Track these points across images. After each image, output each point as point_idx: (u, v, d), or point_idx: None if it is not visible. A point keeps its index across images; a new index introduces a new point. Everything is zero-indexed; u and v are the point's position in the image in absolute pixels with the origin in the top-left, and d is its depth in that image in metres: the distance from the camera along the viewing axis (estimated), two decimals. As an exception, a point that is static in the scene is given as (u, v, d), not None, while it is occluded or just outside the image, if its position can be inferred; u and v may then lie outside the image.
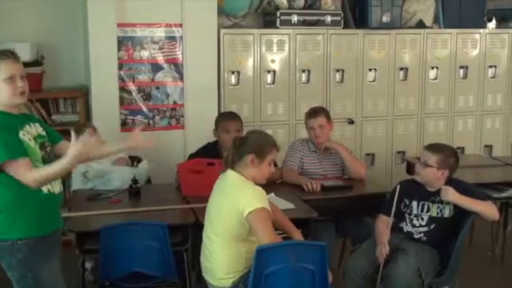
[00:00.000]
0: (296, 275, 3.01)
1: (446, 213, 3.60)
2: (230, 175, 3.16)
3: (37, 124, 3.01)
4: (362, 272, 3.55)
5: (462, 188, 3.59)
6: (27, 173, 2.73)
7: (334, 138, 4.64)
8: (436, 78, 6.06)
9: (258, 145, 3.15)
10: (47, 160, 2.90)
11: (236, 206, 3.01)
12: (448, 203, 3.58)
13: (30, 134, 2.88)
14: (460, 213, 3.57)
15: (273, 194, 3.67)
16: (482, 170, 4.98)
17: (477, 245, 4.89)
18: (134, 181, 4.01)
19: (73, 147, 2.68)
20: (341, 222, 4.15)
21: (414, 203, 3.69)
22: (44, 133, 3.01)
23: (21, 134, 2.82)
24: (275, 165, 3.35)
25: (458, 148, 6.17)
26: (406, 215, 3.67)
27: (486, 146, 6.36)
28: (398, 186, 3.77)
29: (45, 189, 2.85)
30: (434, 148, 3.70)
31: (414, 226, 3.62)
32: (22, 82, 2.86)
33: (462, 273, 3.66)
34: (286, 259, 2.96)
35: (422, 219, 3.62)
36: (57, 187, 2.94)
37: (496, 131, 6.38)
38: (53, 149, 3.01)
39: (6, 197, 2.79)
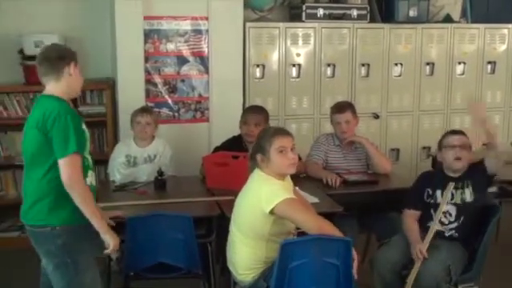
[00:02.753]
0: (320, 270, 2.99)
1: (468, 197, 3.58)
2: (256, 174, 3.18)
3: None
4: (391, 266, 3.54)
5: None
6: (80, 172, 2.81)
7: (358, 132, 4.62)
8: (463, 74, 5.99)
9: (258, 144, 3.17)
10: (90, 153, 3.00)
11: (258, 205, 3.02)
12: (468, 187, 3.57)
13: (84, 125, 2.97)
14: (480, 197, 3.58)
15: (297, 188, 3.66)
16: (511, 166, 4.90)
17: (503, 243, 4.83)
18: (160, 173, 4.04)
19: (114, 239, 2.91)
20: (365, 216, 4.13)
21: (438, 192, 3.66)
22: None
23: (83, 125, 2.91)
24: (299, 159, 3.34)
25: (484, 144, 6.11)
26: (432, 212, 3.64)
27: (514, 143, 6.29)
28: (420, 177, 3.84)
29: (88, 181, 2.90)
30: (459, 131, 3.77)
31: (442, 223, 3.58)
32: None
33: (487, 270, 3.63)
34: (310, 253, 2.95)
35: (450, 215, 3.59)
36: (94, 181, 3.00)
37: (525, 127, 6.31)
38: None
39: (52, 185, 2.83)
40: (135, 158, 4.40)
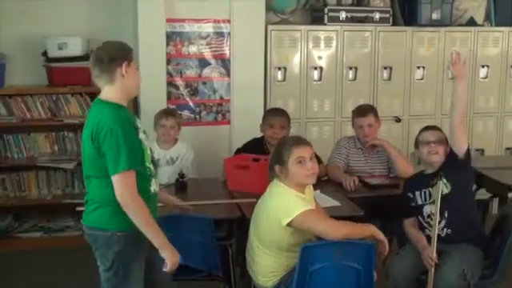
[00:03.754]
0: (341, 273, 2.98)
1: (444, 189, 3.47)
2: (274, 185, 3.17)
3: (137, 118, 2.98)
4: (405, 274, 3.49)
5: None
6: (133, 189, 2.69)
7: (380, 135, 4.59)
8: (486, 77, 5.93)
9: (275, 154, 3.16)
10: (153, 160, 2.90)
11: (276, 218, 3.00)
12: (441, 179, 3.46)
13: (142, 132, 2.86)
14: (456, 184, 3.48)
15: (318, 191, 3.65)
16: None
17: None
18: (181, 175, 4.05)
19: (173, 256, 2.77)
20: (386, 220, 4.10)
21: (417, 193, 3.63)
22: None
23: (141, 134, 2.80)
24: (319, 162, 3.31)
25: (508, 149, 6.06)
26: (421, 220, 3.59)
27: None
28: (404, 184, 3.82)
29: (152, 189, 2.85)
30: (434, 127, 3.77)
31: (433, 227, 3.48)
32: None
33: (510, 277, 3.56)
34: (331, 257, 2.94)
35: (435, 215, 3.50)
36: (157, 187, 2.93)
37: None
38: None
39: (113, 192, 2.72)
40: (157, 160, 4.42)
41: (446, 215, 3.50)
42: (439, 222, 3.49)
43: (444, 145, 3.63)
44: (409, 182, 3.82)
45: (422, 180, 3.66)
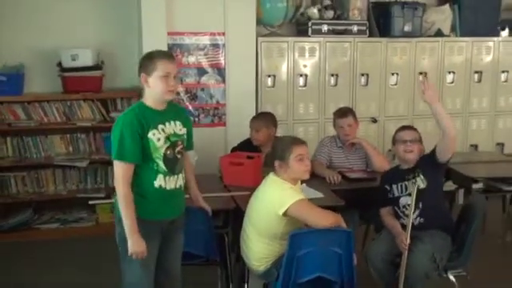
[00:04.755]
0: (325, 257, 3.02)
1: (421, 184, 3.43)
2: (270, 178, 3.19)
3: (178, 122, 2.95)
4: (381, 257, 3.52)
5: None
6: (124, 180, 2.76)
7: (359, 135, 4.61)
8: (452, 82, 5.97)
9: (277, 151, 3.17)
10: (169, 160, 2.87)
11: (272, 208, 3.03)
12: (418, 175, 3.43)
13: (164, 132, 2.85)
14: (432, 181, 3.47)
15: (304, 185, 3.68)
16: (495, 165, 4.90)
17: (489, 233, 4.81)
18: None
19: (134, 246, 2.77)
20: (364, 209, 4.13)
21: (394, 186, 3.65)
22: (182, 132, 2.98)
23: (150, 134, 2.80)
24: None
25: (472, 145, 6.11)
26: (397, 210, 3.62)
27: (498, 144, 6.23)
28: (382, 176, 3.85)
29: (156, 184, 2.86)
30: (410, 127, 3.78)
31: (407, 216, 3.48)
32: (174, 81, 2.87)
33: (474, 259, 3.60)
34: (316, 243, 2.98)
35: (410, 205, 3.50)
36: (172, 184, 2.92)
37: (509, 130, 6.24)
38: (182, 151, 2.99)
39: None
40: None
41: (421, 206, 3.52)
42: (413, 212, 3.50)
43: (418, 143, 3.64)
44: (386, 175, 3.84)
45: (398, 174, 3.68)
